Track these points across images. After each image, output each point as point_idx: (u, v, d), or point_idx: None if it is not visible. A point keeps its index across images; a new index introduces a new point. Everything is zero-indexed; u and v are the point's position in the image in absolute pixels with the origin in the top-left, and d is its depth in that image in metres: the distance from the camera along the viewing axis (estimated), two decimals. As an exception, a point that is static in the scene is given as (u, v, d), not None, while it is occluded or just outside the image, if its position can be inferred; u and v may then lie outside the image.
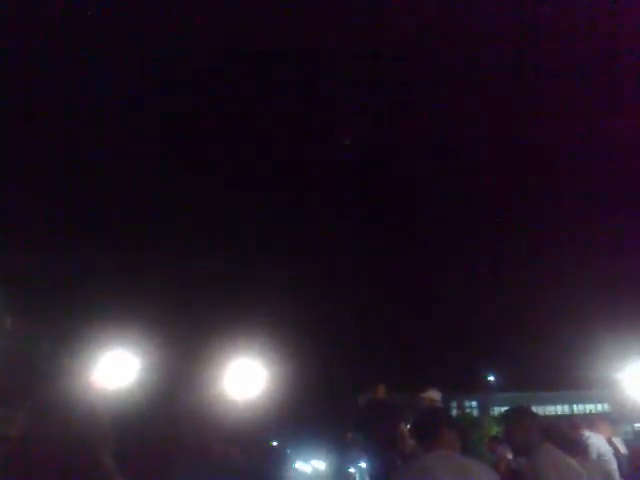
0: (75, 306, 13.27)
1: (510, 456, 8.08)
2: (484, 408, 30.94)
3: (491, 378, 38.97)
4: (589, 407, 52.61)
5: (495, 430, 22.78)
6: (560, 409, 52.36)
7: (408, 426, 9.12)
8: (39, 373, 13.37)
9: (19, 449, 2.10)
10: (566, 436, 5.89)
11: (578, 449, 6.03)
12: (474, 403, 31.31)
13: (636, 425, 24.17)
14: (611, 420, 9.57)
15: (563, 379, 41.26)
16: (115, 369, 10.45)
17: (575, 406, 53.91)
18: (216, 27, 14.30)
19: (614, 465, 7.45)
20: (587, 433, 7.65)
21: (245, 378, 10.59)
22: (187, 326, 13.02)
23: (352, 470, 24.84)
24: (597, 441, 7.60)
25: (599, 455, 7.42)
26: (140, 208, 14.55)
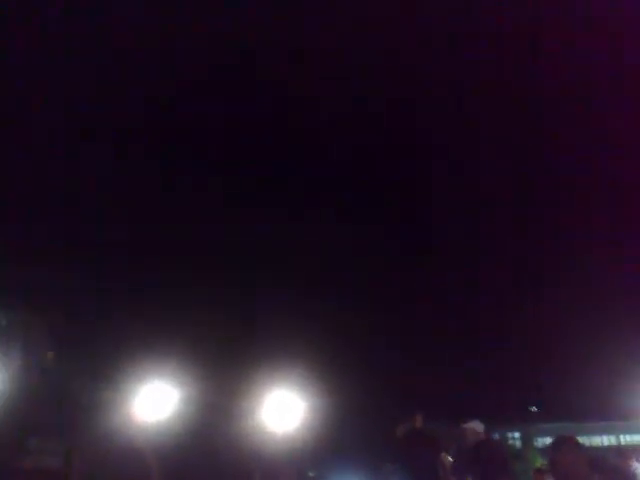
0: (115, 340, 13.43)
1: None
2: (527, 439, 30.23)
3: (534, 408, 38.10)
4: (637, 438, 50.96)
5: (539, 462, 22.17)
6: (607, 440, 50.76)
7: (449, 457, 8.97)
8: (80, 407, 13.48)
9: None
10: (615, 467, 5.72)
11: (627, 481, 5.85)
12: (516, 434, 30.64)
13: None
14: (660, 450, 9.28)
15: (610, 409, 40.17)
16: (154, 402, 10.51)
17: (622, 437, 52.25)
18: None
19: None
20: (636, 464, 7.42)
21: (282, 410, 10.56)
22: (225, 358, 13.06)
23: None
24: (647, 472, 7.37)
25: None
26: (188, 243, 14.71)
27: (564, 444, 4.59)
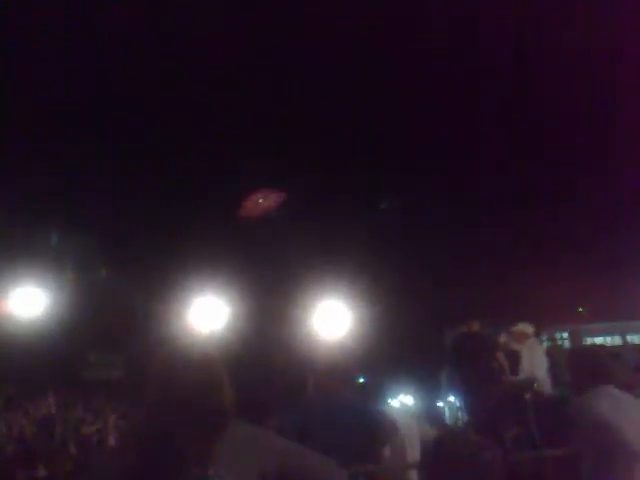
0: (167, 254, 13.66)
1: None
2: (575, 339, 30.41)
3: (581, 310, 38.05)
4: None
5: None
6: (655, 337, 50.77)
7: (503, 357, 9.02)
8: (136, 320, 13.93)
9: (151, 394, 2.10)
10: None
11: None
12: (565, 334, 30.81)
13: None
14: None
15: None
16: (207, 314, 10.76)
17: (672, 334, 52.12)
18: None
19: None
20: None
21: (332, 319, 10.72)
22: (276, 270, 13.20)
23: (441, 404, 24.96)
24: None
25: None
26: (235, 161, 14.58)
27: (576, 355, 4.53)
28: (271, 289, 12.21)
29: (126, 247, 14.90)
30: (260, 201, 12.33)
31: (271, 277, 12.66)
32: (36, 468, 7.93)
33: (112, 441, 8.97)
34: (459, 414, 10.02)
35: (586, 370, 3.82)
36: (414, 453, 5.77)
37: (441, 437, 2.45)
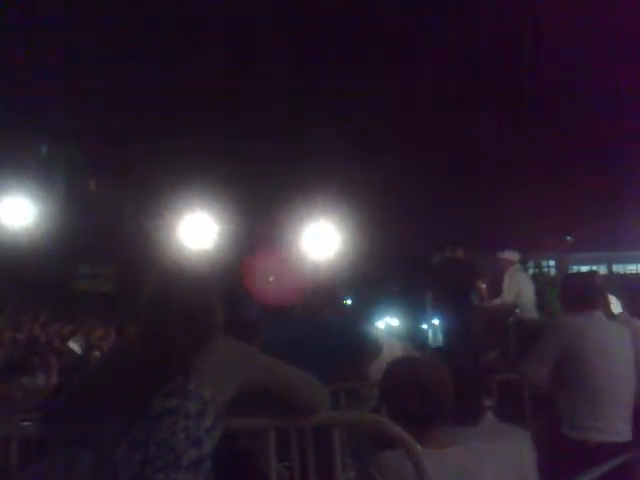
0: (156, 169, 13.53)
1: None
2: (562, 267, 30.86)
3: (569, 238, 38.32)
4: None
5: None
6: (641, 268, 51.42)
7: (484, 285, 9.19)
8: (126, 234, 13.96)
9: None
10: None
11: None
12: (552, 262, 31.22)
13: None
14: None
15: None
16: (197, 232, 10.79)
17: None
18: None
19: None
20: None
21: (320, 240, 10.78)
22: (264, 190, 13.14)
23: (425, 327, 25.50)
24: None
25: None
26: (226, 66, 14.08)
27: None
28: (259, 209, 12.19)
29: (116, 160, 14.73)
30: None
31: (260, 197, 12.61)
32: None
33: (97, 354, 9.16)
34: (440, 337, 10.24)
35: (577, 293, 3.92)
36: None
37: (398, 358, 2.73)
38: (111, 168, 15.01)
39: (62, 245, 13.24)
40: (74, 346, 10.19)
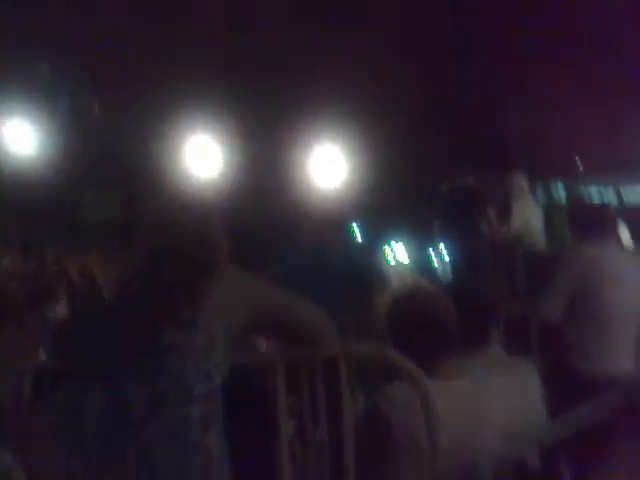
0: (158, 89, 13.26)
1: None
2: (570, 190, 30.49)
3: (578, 160, 37.77)
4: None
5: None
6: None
7: (493, 212, 9.10)
8: (130, 158, 13.82)
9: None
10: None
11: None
12: (559, 184, 30.89)
13: None
14: None
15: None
16: (203, 156, 10.67)
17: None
18: None
19: None
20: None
21: (327, 165, 10.63)
22: (272, 110, 12.87)
23: (433, 257, 25.51)
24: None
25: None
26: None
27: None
28: (265, 133, 11.97)
29: (121, 84, 14.44)
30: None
31: (266, 120, 12.36)
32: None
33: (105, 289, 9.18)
34: (448, 267, 10.21)
35: (590, 222, 3.85)
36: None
37: (403, 289, 2.72)
38: (115, 89, 14.73)
39: (66, 171, 13.15)
40: (82, 280, 10.25)
